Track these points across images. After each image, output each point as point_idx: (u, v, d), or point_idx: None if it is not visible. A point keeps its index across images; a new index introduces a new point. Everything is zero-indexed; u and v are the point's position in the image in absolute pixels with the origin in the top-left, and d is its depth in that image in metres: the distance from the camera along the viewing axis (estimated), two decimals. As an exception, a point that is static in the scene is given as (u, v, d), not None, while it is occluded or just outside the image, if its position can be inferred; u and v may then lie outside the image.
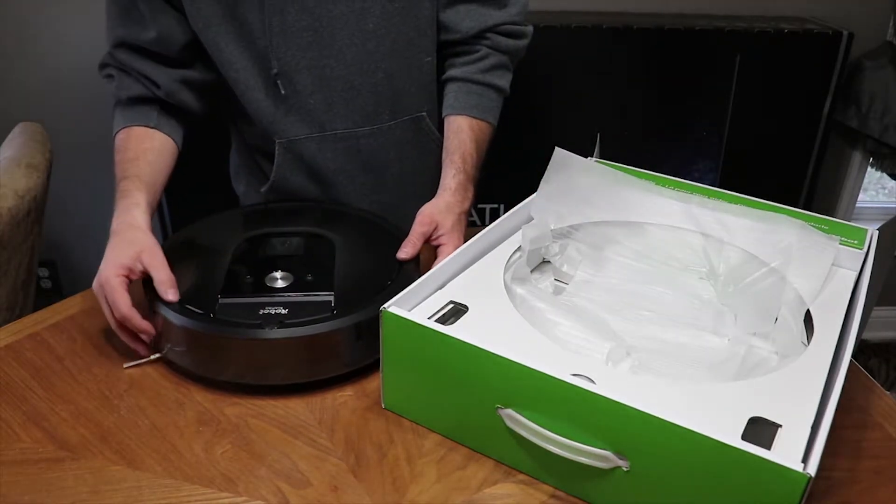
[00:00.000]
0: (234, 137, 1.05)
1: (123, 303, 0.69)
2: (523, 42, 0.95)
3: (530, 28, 0.96)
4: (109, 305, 0.70)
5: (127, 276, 0.70)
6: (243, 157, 1.04)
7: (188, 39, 0.85)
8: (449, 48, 0.94)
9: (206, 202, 1.00)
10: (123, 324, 0.70)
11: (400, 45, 0.89)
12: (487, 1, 0.91)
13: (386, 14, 0.86)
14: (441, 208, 0.83)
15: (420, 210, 0.82)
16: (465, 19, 0.91)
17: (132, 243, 0.72)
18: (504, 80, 0.95)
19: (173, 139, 0.88)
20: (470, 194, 0.87)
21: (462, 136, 0.90)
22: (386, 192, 0.97)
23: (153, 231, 0.76)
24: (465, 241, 0.75)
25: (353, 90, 0.89)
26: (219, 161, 1.12)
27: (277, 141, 0.92)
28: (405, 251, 0.78)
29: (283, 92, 0.87)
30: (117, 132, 0.86)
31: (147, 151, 0.83)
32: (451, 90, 0.94)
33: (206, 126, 0.95)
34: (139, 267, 0.71)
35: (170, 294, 0.70)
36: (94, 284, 0.70)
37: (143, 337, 0.71)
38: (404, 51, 0.90)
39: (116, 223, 0.75)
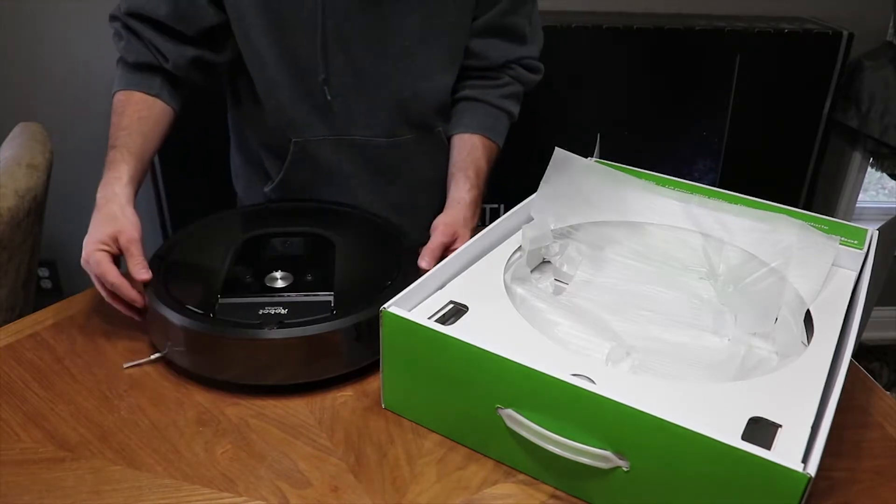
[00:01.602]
0: (235, 134, 1.05)
1: (111, 273, 0.71)
2: (538, 77, 1.00)
3: (542, 66, 1.00)
4: (99, 279, 0.72)
5: (108, 252, 0.72)
6: (245, 155, 1.04)
7: (211, 22, 0.85)
8: (471, 71, 0.96)
9: (206, 202, 1.00)
10: (115, 294, 0.72)
11: (431, 68, 0.90)
12: (514, 38, 0.94)
13: (423, 35, 0.87)
14: (460, 222, 0.84)
15: (440, 220, 0.83)
16: (495, 50, 0.94)
17: (110, 221, 0.74)
18: (516, 109, 0.99)
19: (172, 106, 0.87)
20: (478, 210, 0.90)
21: (477, 153, 0.92)
22: (393, 197, 0.98)
23: (154, 231, 0.76)
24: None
25: (378, 103, 0.90)
26: (219, 161, 1.12)
27: (293, 140, 0.92)
28: (426, 261, 0.77)
29: (328, 98, 0.88)
30: (117, 91, 0.86)
31: (142, 121, 0.83)
32: (467, 109, 0.95)
33: (205, 126, 0.95)
34: (115, 247, 0.73)
35: (142, 273, 0.72)
36: (82, 261, 0.73)
37: (136, 300, 0.73)
38: (433, 73, 0.91)
39: (99, 195, 0.76)
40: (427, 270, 0.74)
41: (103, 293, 0.74)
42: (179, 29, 0.84)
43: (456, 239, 0.82)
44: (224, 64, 0.91)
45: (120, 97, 0.85)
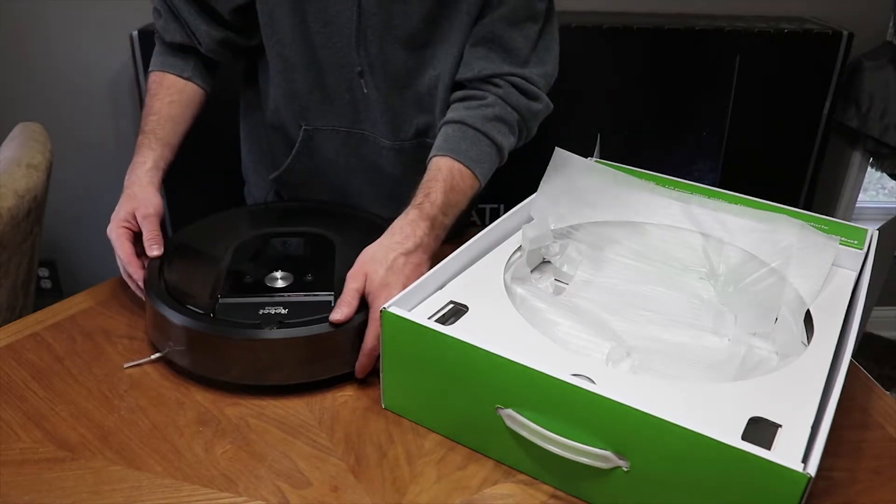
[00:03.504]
0: (246, 118, 1.05)
1: (123, 250, 0.78)
2: (536, 106, 0.89)
3: (547, 100, 0.91)
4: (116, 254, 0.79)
5: (129, 229, 0.79)
6: (254, 141, 1.04)
7: (244, 2, 0.86)
8: (457, 90, 0.89)
9: (206, 201, 1.00)
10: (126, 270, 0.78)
11: (439, 69, 0.89)
12: (504, 52, 0.86)
13: (431, 40, 0.87)
14: (375, 256, 0.71)
15: (355, 264, 0.71)
16: (481, 60, 0.86)
17: (131, 199, 0.80)
18: (504, 138, 0.86)
19: (204, 88, 0.93)
20: (420, 232, 0.74)
21: (436, 175, 0.80)
22: (394, 197, 0.97)
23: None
24: (465, 241, 0.75)
25: (385, 104, 0.90)
26: (219, 161, 1.12)
27: (304, 127, 0.92)
28: (340, 312, 0.67)
29: (364, 91, 0.88)
30: (153, 71, 0.91)
31: (172, 105, 0.88)
32: (442, 133, 0.85)
33: (206, 126, 0.95)
34: (135, 223, 0.80)
35: (153, 250, 0.77)
36: (109, 231, 0.79)
37: (138, 282, 0.77)
38: (439, 82, 0.90)
39: (126, 179, 0.83)
40: (342, 323, 0.67)
41: (121, 269, 0.79)
42: (217, 10, 0.86)
43: (368, 286, 0.70)
44: (251, 47, 0.92)
45: (154, 78, 0.90)
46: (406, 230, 0.74)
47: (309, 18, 0.85)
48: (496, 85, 0.86)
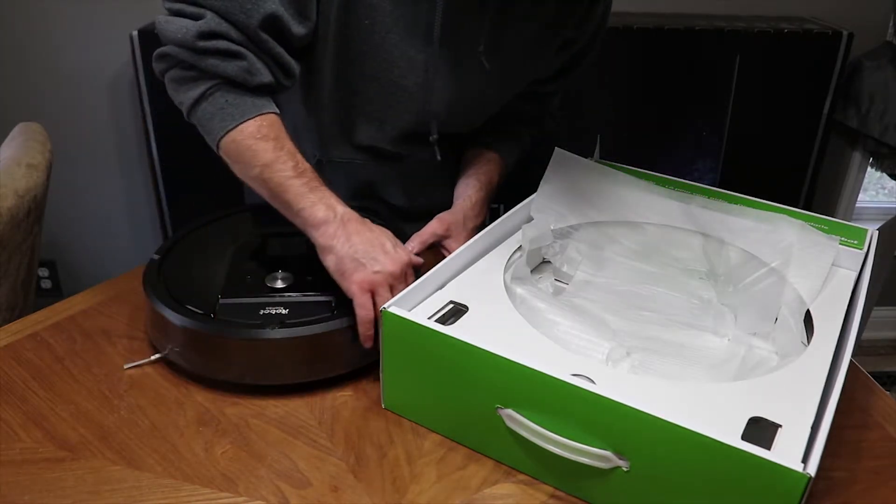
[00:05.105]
0: None
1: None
2: (554, 127, 1.05)
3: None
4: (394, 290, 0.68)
5: None
6: None
7: (310, 40, 0.80)
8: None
9: (206, 202, 1.00)
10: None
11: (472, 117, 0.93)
12: (547, 102, 1.01)
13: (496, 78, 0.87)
14: (458, 220, 0.85)
15: (440, 214, 0.84)
16: (532, 109, 0.98)
17: (390, 234, 0.73)
18: (529, 142, 1.03)
19: None
20: (484, 212, 0.91)
21: (493, 166, 0.95)
22: (409, 204, 0.98)
23: (154, 231, 0.74)
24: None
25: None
26: (219, 160, 1.12)
27: (318, 158, 0.92)
28: (412, 244, 0.79)
29: (438, 158, 0.88)
30: (257, 115, 0.74)
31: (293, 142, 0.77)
32: (505, 133, 0.97)
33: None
34: None
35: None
36: (398, 266, 0.69)
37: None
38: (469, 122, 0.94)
39: (346, 210, 0.73)
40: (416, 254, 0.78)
41: (368, 319, 0.67)
42: (298, 46, 0.78)
43: (449, 235, 0.83)
44: None
45: (261, 121, 0.75)
46: (478, 207, 0.89)
47: (355, 63, 0.81)
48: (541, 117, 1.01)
